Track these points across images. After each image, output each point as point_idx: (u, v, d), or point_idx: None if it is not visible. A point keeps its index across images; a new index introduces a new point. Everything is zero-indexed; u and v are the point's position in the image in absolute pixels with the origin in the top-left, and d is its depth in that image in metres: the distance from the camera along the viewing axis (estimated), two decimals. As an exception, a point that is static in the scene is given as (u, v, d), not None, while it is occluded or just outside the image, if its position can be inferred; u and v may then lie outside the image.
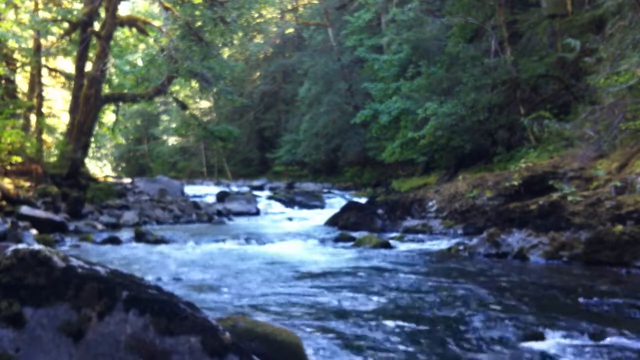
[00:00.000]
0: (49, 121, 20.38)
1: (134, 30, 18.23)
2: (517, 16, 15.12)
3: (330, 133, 26.52)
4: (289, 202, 16.63)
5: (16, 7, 15.75)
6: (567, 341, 3.13)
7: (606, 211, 7.04)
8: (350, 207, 11.59)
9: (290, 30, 31.84)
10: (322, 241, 8.61)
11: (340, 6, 28.36)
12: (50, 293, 1.87)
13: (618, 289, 4.67)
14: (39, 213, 9.72)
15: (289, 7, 30.89)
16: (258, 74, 36.20)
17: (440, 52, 17.02)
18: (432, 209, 10.44)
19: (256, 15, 21.77)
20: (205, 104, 37.35)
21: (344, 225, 10.60)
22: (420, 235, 9.13)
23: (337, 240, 8.61)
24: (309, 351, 2.79)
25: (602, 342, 3.11)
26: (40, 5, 17.86)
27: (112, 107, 21.10)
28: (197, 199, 16.21)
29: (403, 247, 7.88)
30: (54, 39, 17.22)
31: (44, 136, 18.62)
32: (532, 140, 12.86)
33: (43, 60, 18.44)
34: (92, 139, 19.76)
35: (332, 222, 11.23)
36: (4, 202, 9.84)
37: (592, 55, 10.18)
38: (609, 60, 8.99)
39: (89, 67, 16.41)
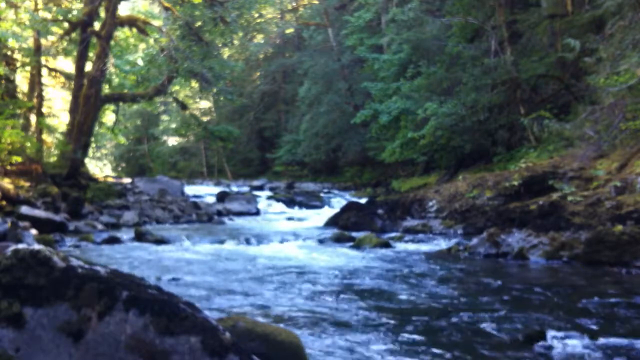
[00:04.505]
0: (49, 121, 20.36)
1: (134, 30, 18.21)
2: (517, 16, 15.11)
3: (330, 133, 26.50)
4: (289, 202, 16.62)
5: (16, 7, 15.74)
6: (567, 341, 3.13)
7: (606, 211, 7.04)
8: (350, 207, 11.59)
9: (290, 30, 31.81)
10: (322, 241, 8.60)
11: (340, 6, 28.35)
12: (50, 293, 1.87)
13: (618, 289, 4.67)
14: (39, 213, 9.72)
15: (289, 7, 30.88)
16: (258, 74, 36.17)
17: (440, 52, 17.00)
18: (432, 209, 10.44)
19: (256, 15, 21.80)
20: (205, 104, 37.32)
21: (344, 225, 10.60)
22: (420, 235, 9.13)
23: (337, 240, 8.60)
24: (309, 351, 2.79)
25: (602, 342, 3.11)
26: (40, 5, 17.84)
27: (112, 107, 21.09)
28: (197, 199, 16.20)
29: (403, 247, 7.89)
30: (54, 39, 17.21)
31: (44, 136, 18.62)
32: (532, 140, 12.86)
33: (43, 60, 18.43)
34: (92, 139, 19.75)
35: (332, 222, 11.23)
36: (4, 202, 9.84)
37: (592, 55, 10.18)
38: (609, 60, 8.98)
39: (89, 67, 16.39)
